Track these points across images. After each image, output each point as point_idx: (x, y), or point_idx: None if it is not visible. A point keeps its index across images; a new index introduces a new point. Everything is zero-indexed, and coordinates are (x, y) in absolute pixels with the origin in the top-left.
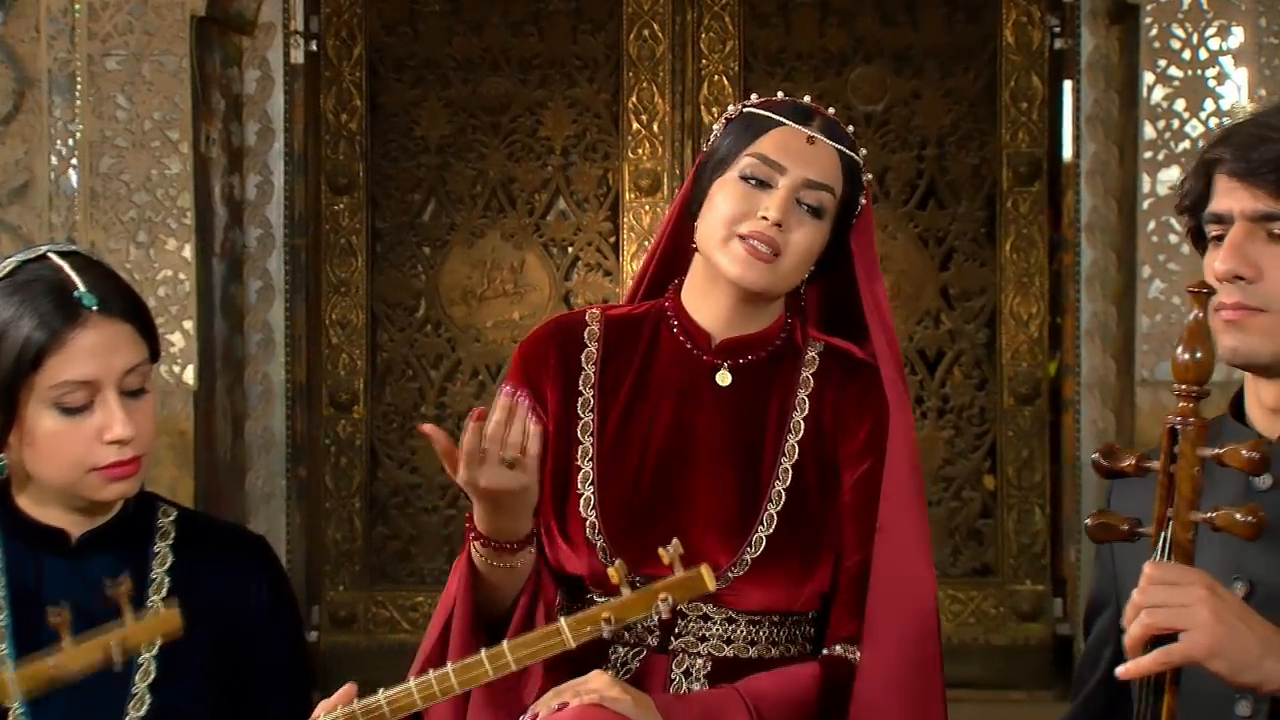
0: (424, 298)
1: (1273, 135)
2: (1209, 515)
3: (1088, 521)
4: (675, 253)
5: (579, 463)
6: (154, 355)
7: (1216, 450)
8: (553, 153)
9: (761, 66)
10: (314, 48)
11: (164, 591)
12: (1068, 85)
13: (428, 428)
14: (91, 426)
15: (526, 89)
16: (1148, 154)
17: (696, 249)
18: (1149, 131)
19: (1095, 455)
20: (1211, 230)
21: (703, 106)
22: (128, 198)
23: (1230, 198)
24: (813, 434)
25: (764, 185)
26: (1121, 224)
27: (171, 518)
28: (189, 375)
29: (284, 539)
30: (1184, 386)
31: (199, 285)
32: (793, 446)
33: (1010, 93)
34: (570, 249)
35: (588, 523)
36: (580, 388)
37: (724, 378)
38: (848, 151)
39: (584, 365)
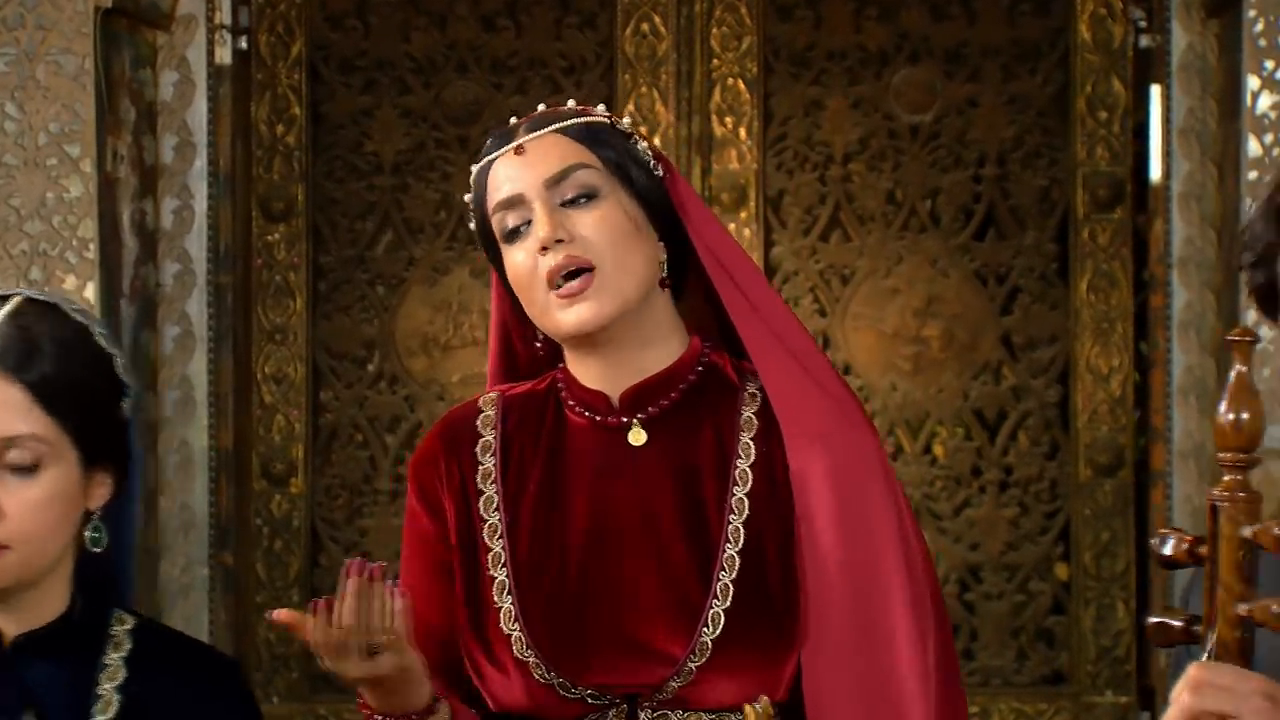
0: (377, 347)
1: None
2: (1248, 608)
3: (1152, 621)
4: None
5: (492, 572)
6: (76, 434)
7: (1253, 528)
8: None
9: (785, 68)
10: (244, 45)
11: (111, 712)
12: (1155, 91)
13: (279, 614)
14: None
15: (501, 95)
16: (1252, 174)
17: (544, 351)
18: (1254, 147)
19: (1154, 541)
20: None
21: (714, 116)
22: (18, 226)
23: None
24: (764, 482)
25: (524, 226)
26: (1221, 259)
27: (128, 626)
28: None
29: (206, 638)
30: (1228, 455)
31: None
32: (741, 500)
33: (1086, 100)
34: None
35: (513, 638)
36: (481, 485)
37: (637, 436)
38: (570, 124)
39: (480, 459)
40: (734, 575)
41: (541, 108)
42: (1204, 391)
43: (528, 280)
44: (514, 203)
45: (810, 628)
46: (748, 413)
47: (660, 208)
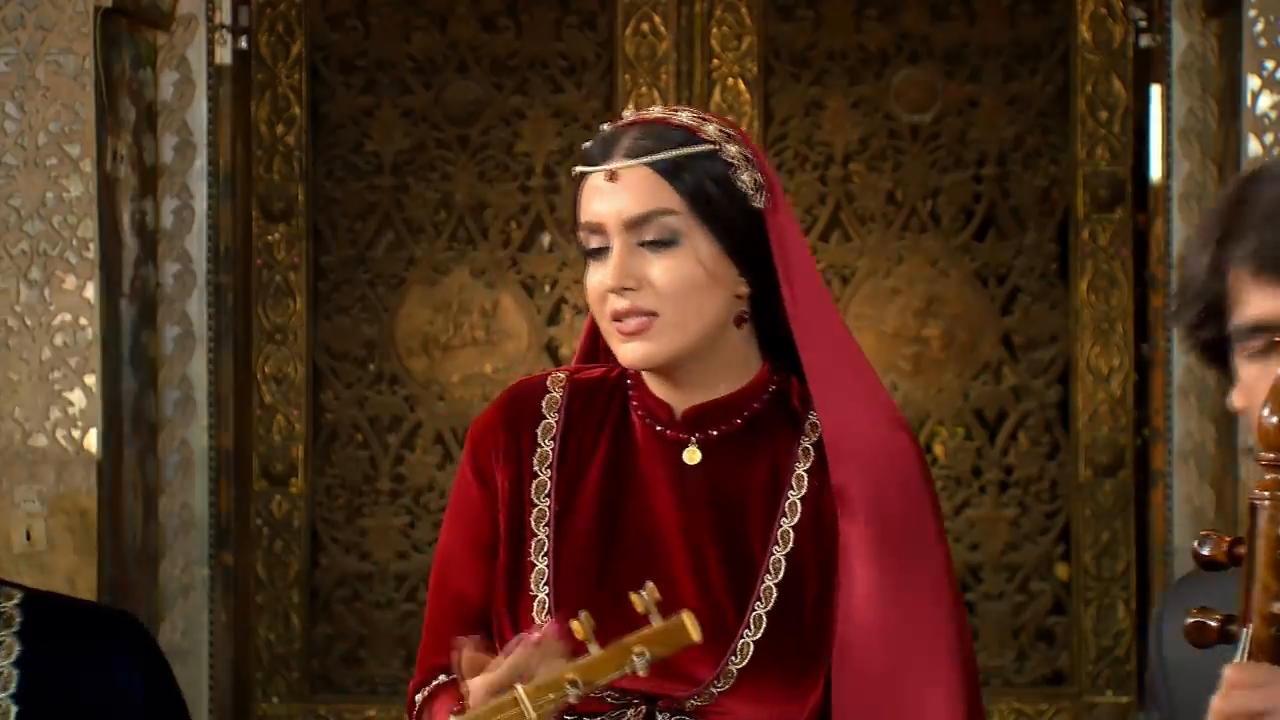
0: (377, 348)
1: None
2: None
3: (1188, 621)
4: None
5: (533, 559)
6: None
7: None
8: (533, 172)
9: (785, 68)
10: (244, 45)
11: (12, 688)
12: (1156, 91)
13: (465, 650)
14: None
15: (501, 95)
16: None
17: None
18: (1254, 147)
19: (1195, 543)
20: (1251, 345)
21: None
22: (18, 226)
23: (1269, 299)
24: (811, 516)
25: (603, 251)
26: None
27: (15, 600)
28: (91, 441)
29: (206, 639)
30: (1270, 455)
31: (104, 332)
32: (786, 533)
33: (1086, 100)
34: (554, 288)
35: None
36: (536, 468)
37: (692, 455)
38: (663, 158)
39: (540, 441)
40: (769, 607)
41: (656, 110)
42: (1204, 392)
43: (596, 303)
44: (596, 229)
45: (844, 668)
46: (806, 444)
47: (749, 240)
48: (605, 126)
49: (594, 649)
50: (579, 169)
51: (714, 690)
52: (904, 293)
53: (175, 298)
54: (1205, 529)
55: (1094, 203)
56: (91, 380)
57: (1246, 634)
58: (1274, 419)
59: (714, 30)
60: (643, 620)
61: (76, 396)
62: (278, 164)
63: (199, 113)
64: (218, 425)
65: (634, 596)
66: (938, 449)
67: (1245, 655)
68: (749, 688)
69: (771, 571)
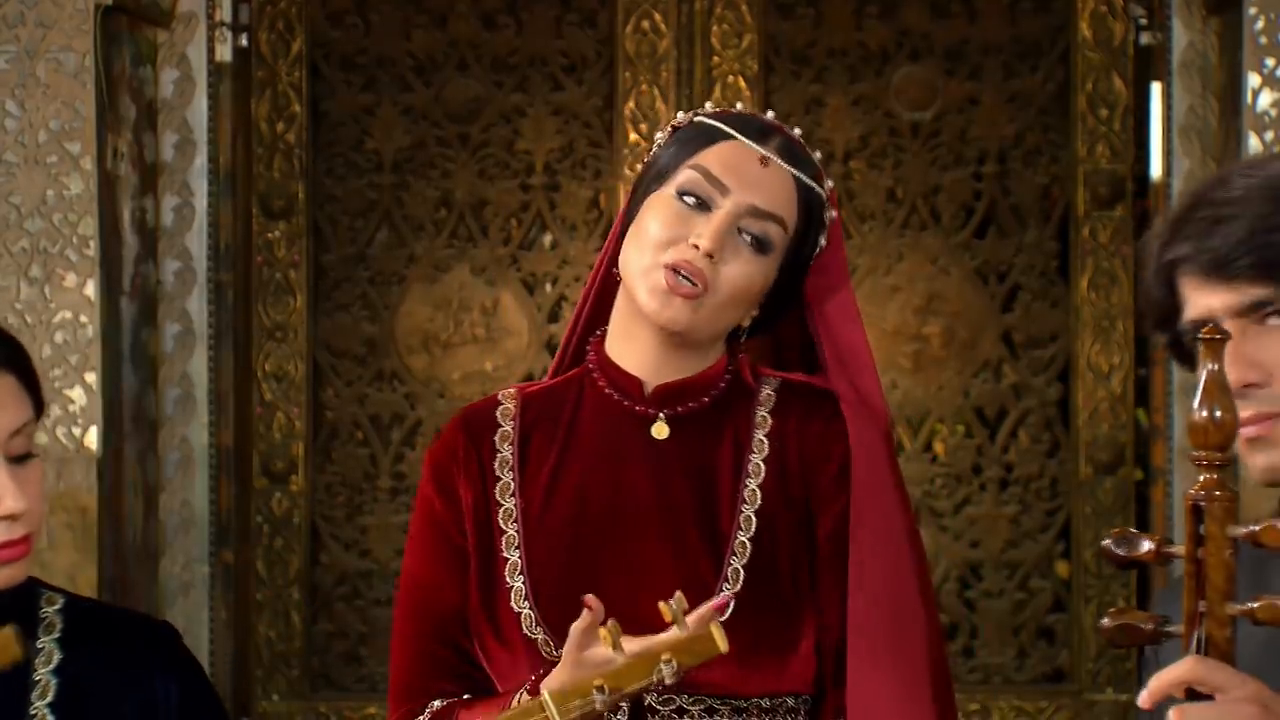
0: (377, 345)
1: (1227, 213)
2: (1249, 606)
3: (1104, 622)
4: (605, 306)
5: (505, 554)
6: (38, 411)
7: (1251, 528)
8: (533, 170)
9: (785, 66)
10: (244, 43)
11: (50, 696)
12: (1156, 89)
13: (588, 597)
14: None
15: (501, 93)
16: None
17: (619, 279)
18: (1254, 144)
19: (1106, 542)
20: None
21: None
22: (18, 224)
23: (1205, 298)
24: (776, 475)
25: (702, 206)
26: None
27: (57, 606)
28: (91, 439)
29: (206, 637)
30: (1204, 453)
31: (104, 330)
32: (753, 491)
33: (1087, 98)
34: (554, 285)
35: (523, 616)
36: (498, 472)
37: (660, 430)
38: (808, 181)
39: (499, 447)
40: (745, 560)
41: (796, 130)
42: None
43: (659, 240)
44: (719, 186)
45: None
46: (762, 411)
47: (789, 289)
48: (740, 106)
49: (620, 656)
50: (723, 127)
51: None
52: (904, 290)
53: (175, 295)
54: (1115, 528)
55: (1094, 200)
56: (92, 378)
57: (1199, 635)
58: (1203, 414)
59: (714, 28)
60: (639, 608)
61: (77, 394)
62: (278, 162)
63: (199, 110)
64: (218, 423)
65: (663, 606)
66: (938, 447)
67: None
68: (732, 644)
69: (743, 527)
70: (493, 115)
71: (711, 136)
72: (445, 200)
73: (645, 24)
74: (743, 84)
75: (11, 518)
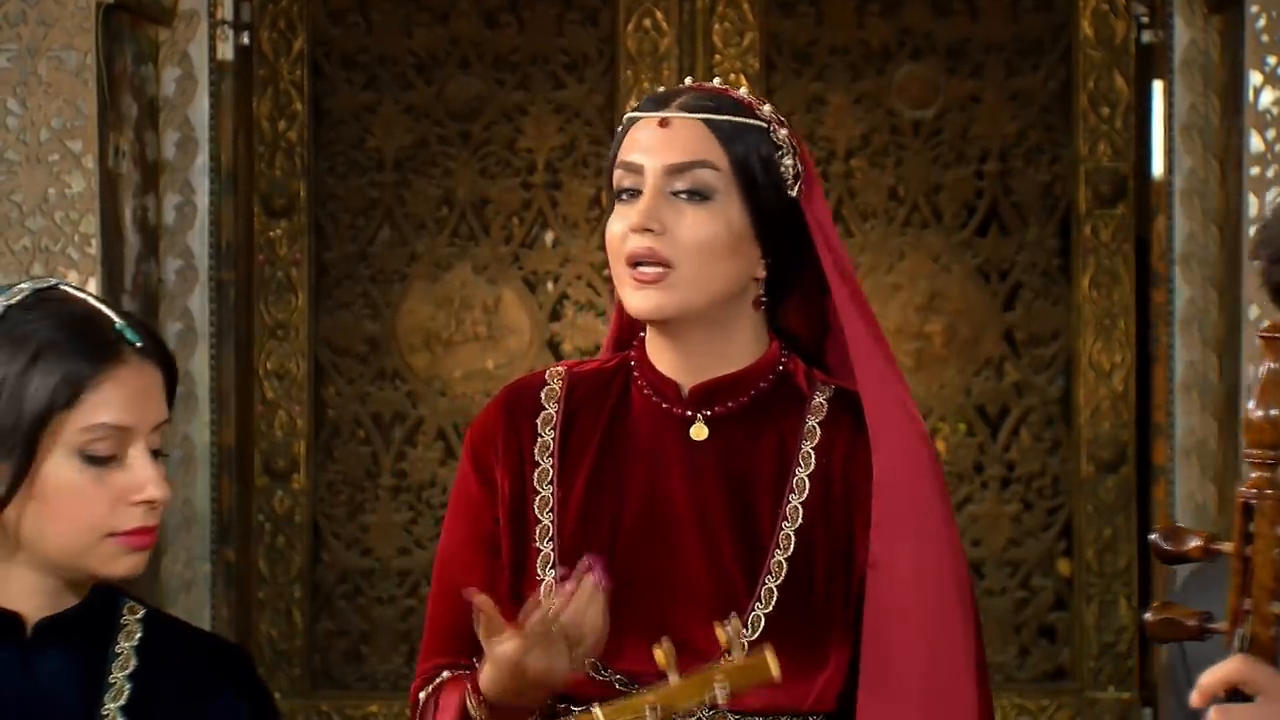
0: (378, 343)
1: None
2: None
3: (1147, 616)
4: None
5: (539, 544)
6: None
7: None
8: (535, 168)
9: (787, 64)
10: (246, 41)
11: (123, 699)
12: (1158, 87)
13: (477, 598)
14: (118, 484)
15: (503, 91)
16: (1254, 170)
17: None
18: (1256, 143)
19: (1153, 536)
20: None
21: None
22: (20, 222)
23: None
24: (820, 494)
25: (634, 194)
26: (1224, 255)
27: (139, 615)
28: None
29: None
30: (1259, 451)
31: None
32: (795, 509)
33: (1088, 96)
34: (556, 284)
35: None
36: (537, 457)
37: (699, 431)
38: (720, 117)
39: (540, 431)
40: (780, 581)
41: (717, 82)
42: (1206, 387)
43: (614, 247)
44: (634, 169)
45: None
46: (812, 422)
47: (777, 223)
48: (662, 88)
49: (674, 677)
50: (630, 114)
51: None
52: (906, 289)
53: (177, 294)
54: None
55: (1096, 198)
56: None
57: (1242, 634)
58: (1260, 413)
59: (716, 26)
60: (650, 664)
61: None
62: (279, 160)
63: (201, 109)
64: (219, 421)
65: (718, 630)
66: (940, 445)
67: (1243, 654)
68: None
69: (781, 546)
70: (494, 113)
71: (625, 129)
72: (447, 198)
73: (647, 22)
74: (744, 82)
75: (152, 504)
